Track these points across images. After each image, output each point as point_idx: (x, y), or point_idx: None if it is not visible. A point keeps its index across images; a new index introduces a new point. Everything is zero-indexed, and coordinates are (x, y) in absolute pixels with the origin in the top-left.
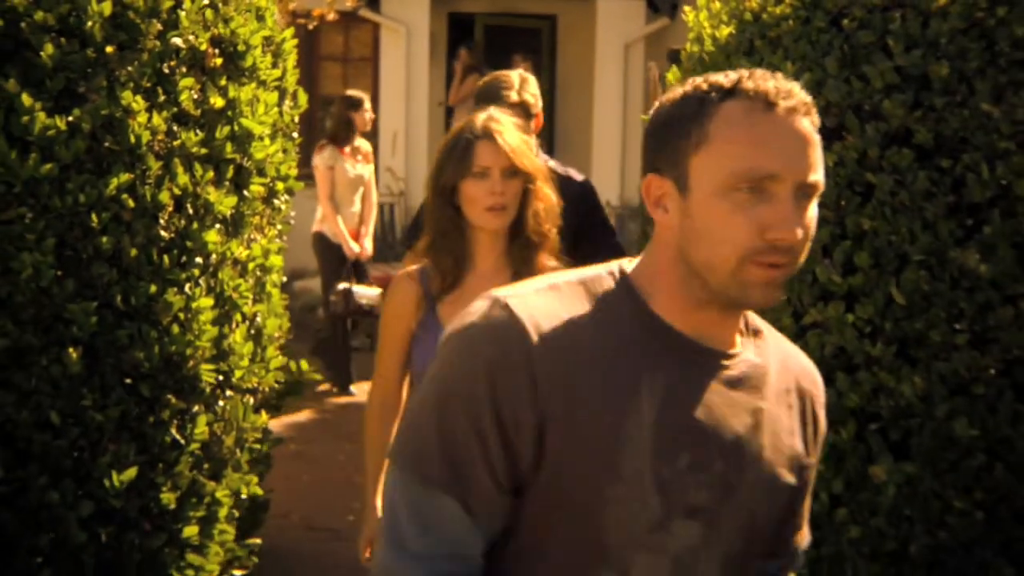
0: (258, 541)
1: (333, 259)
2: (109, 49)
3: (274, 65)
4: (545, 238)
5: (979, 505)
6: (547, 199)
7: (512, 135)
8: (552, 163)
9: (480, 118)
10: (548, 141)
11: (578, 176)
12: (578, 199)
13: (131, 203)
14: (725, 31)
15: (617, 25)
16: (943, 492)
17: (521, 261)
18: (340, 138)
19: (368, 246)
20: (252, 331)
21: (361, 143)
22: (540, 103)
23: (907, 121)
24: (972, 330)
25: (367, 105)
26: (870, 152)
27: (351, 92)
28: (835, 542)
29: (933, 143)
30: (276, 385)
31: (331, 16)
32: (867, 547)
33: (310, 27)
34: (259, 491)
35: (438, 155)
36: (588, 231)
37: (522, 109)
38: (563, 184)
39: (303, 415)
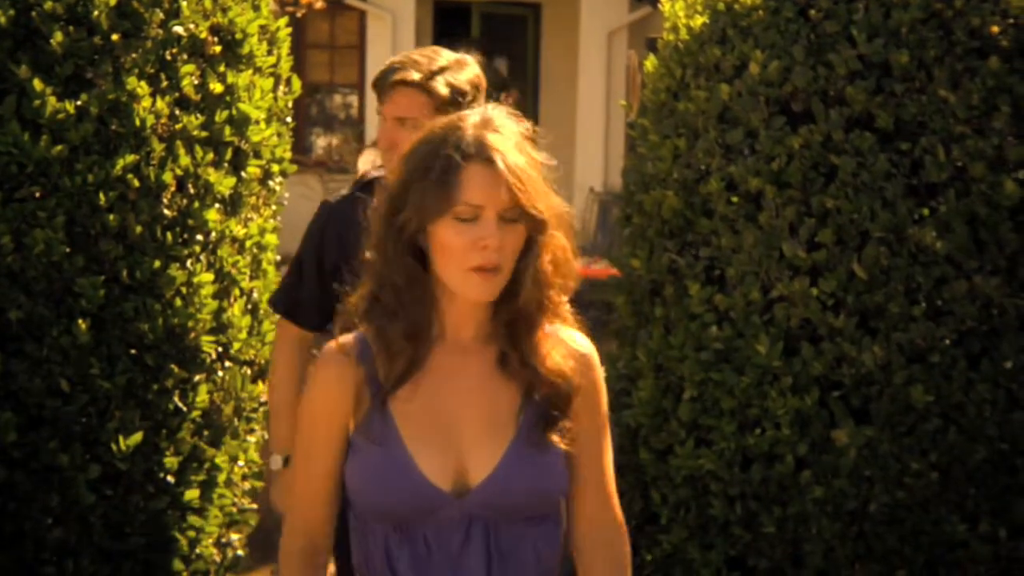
0: (255, 507)
1: None
2: (115, 37)
3: (269, 52)
4: (549, 307)
5: (934, 466)
6: (562, 250)
7: (517, 154)
8: None
9: (471, 122)
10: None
11: None
12: None
13: (136, 183)
14: (699, 20)
15: (601, 13)
16: (901, 455)
17: (512, 337)
18: None
19: None
20: (249, 305)
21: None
22: (479, 96)
23: (869, 106)
24: (928, 303)
25: None
26: (834, 135)
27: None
28: (800, 502)
29: (893, 127)
30: (270, 358)
31: (318, 4)
32: (830, 506)
33: (298, 15)
34: (256, 458)
35: (398, 172)
36: None
37: (433, 97)
38: None
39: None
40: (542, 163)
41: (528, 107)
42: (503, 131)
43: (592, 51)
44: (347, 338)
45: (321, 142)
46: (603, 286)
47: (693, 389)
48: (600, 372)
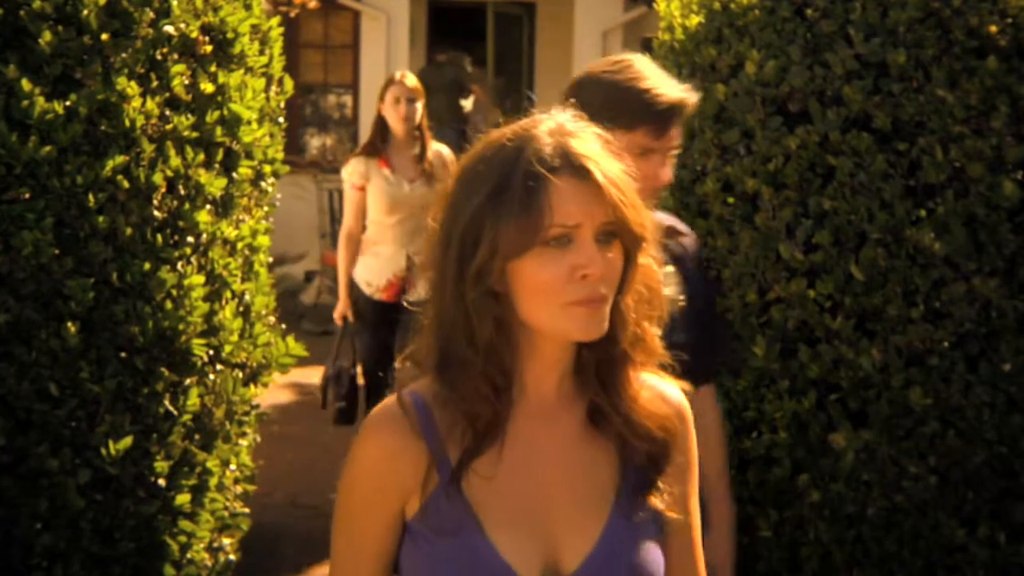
0: (247, 511)
1: (366, 319)
2: (104, 36)
3: (261, 52)
4: (643, 347)
5: (933, 470)
6: (652, 274)
7: (610, 161)
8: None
9: (543, 129)
10: None
11: (683, 228)
12: (687, 270)
13: (126, 184)
14: (695, 20)
15: (595, 13)
16: (899, 458)
17: (604, 385)
18: (374, 144)
19: None
20: (241, 308)
21: (413, 148)
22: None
23: (866, 106)
24: (926, 305)
25: (398, 90)
26: (831, 136)
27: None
28: (797, 506)
29: (891, 127)
30: (263, 360)
31: (312, 4)
32: (827, 510)
33: (291, 15)
34: (248, 461)
35: (456, 200)
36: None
37: None
38: (671, 240)
39: (286, 397)
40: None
41: (522, 107)
42: (583, 135)
43: (586, 51)
44: (401, 399)
45: (315, 142)
46: None
47: None
48: (692, 425)
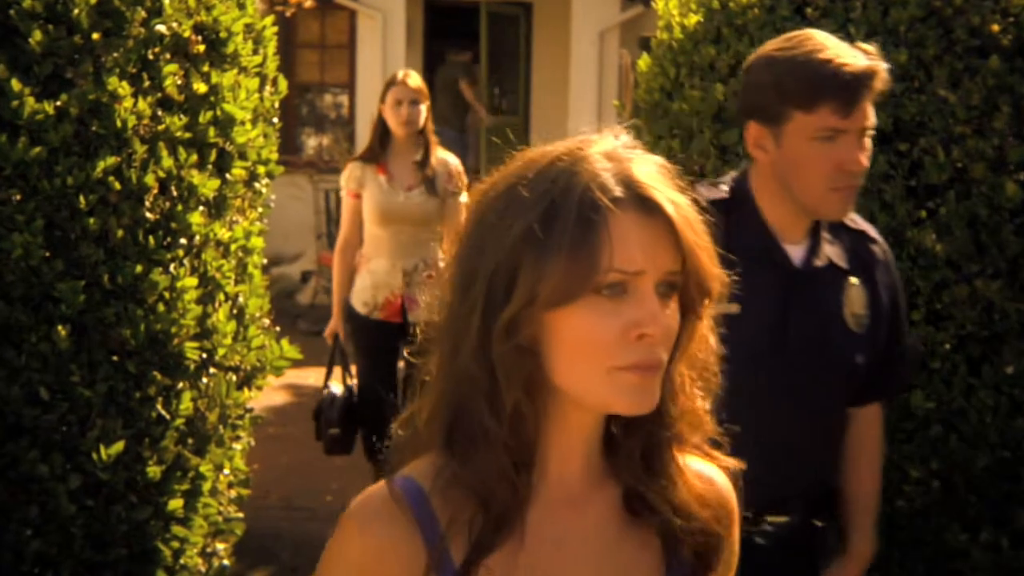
0: (241, 515)
1: (362, 343)
2: (95, 36)
3: (255, 52)
4: (692, 423)
5: (935, 474)
6: (706, 337)
7: (679, 195)
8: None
9: (598, 150)
10: (524, 129)
11: (875, 234)
12: (875, 281)
13: (117, 185)
14: (693, 19)
15: (592, 12)
16: (900, 462)
17: (647, 467)
18: (372, 149)
19: None
20: (234, 310)
21: (414, 153)
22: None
23: None
24: (928, 307)
25: (400, 91)
26: None
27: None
28: None
29: (892, 127)
30: (257, 364)
31: (308, 3)
32: None
33: (288, 14)
34: (242, 465)
35: (479, 225)
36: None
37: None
38: (860, 247)
39: (281, 399)
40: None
41: (520, 107)
42: (643, 162)
43: (584, 50)
44: (391, 486)
45: (311, 142)
46: None
47: None
48: (738, 516)
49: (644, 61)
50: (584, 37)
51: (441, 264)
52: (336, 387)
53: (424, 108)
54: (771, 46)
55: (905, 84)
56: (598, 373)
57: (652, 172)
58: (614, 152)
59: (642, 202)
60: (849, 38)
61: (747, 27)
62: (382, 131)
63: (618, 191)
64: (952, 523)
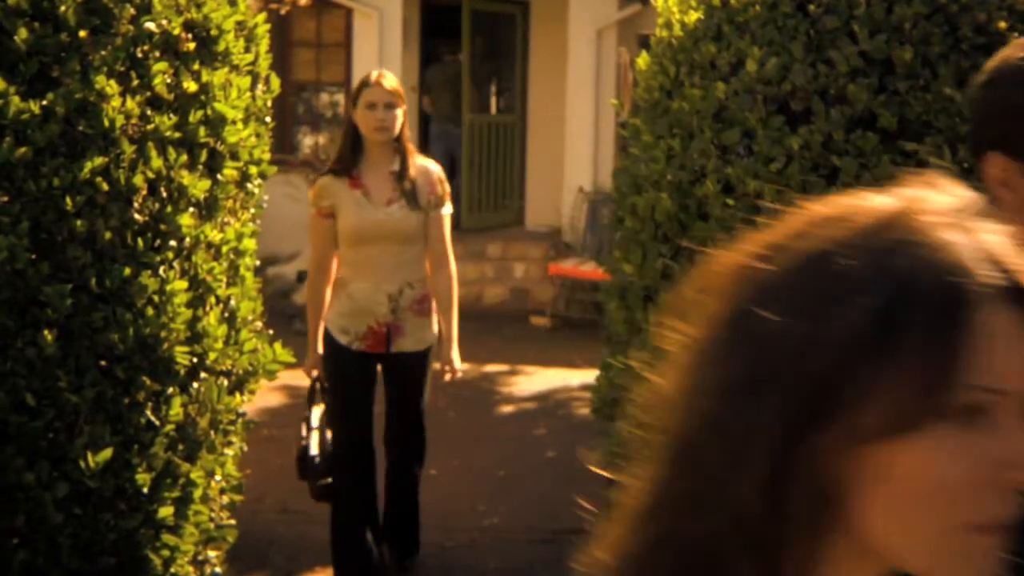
0: (233, 522)
1: (339, 373)
2: (83, 33)
3: (246, 50)
4: None
5: None
6: None
7: None
8: None
9: (939, 214)
10: (521, 128)
11: None
12: None
13: (105, 186)
14: (694, 16)
15: (590, 10)
16: None
17: None
18: (343, 159)
19: (455, 358)
20: (226, 314)
21: (393, 162)
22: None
23: (871, 105)
24: None
25: (373, 93)
26: (835, 135)
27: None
28: None
29: (897, 127)
30: (249, 368)
31: (303, 1)
32: None
33: (282, 12)
34: (234, 471)
35: (757, 312)
36: None
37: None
38: None
39: (276, 400)
40: None
41: (516, 106)
42: (998, 232)
43: (581, 49)
44: None
45: (307, 141)
46: (593, 287)
47: None
48: None
49: (643, 59)
50: (581, 35)
51: (427, 284)
52: (315, 436)
53: (400, 113)
54: (1017, 52)
55: (910, 83)
56: (939, 532)
57: (1013, 247)
58: (960, 216)
59: (1019, 297)
60: (852, 36)
61: (748, 24)
62: (353, 139)
63: (990, 278)
64: None
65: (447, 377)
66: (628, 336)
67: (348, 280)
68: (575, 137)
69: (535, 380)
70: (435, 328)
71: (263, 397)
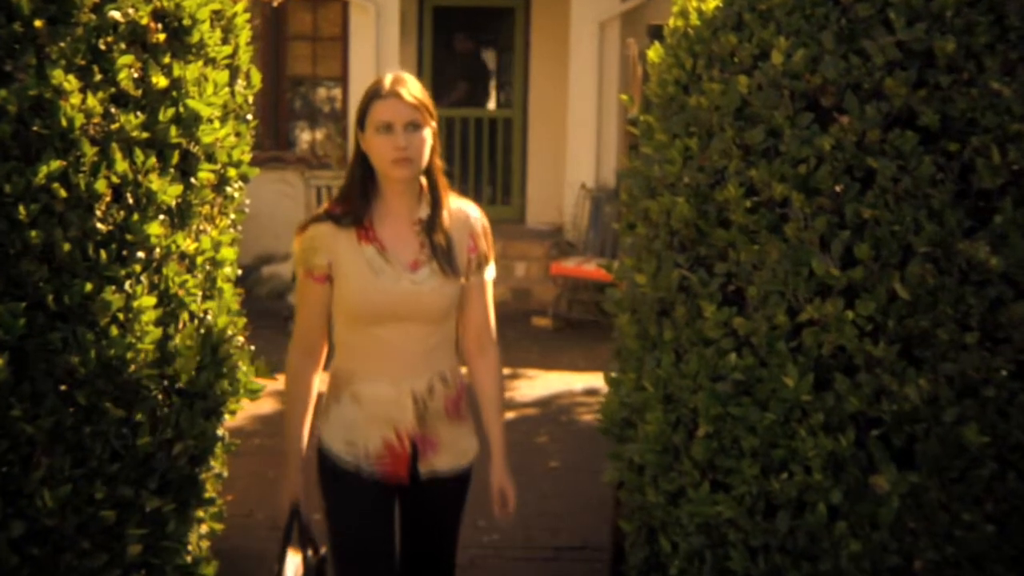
0: (209, 557)
1: (342, 507)
2: (38, 23)
3: (225, 41)
4: None
5: (990, 518)
6: None
7: None
8: None
9: None
10: (522, 124)
11: None
12: None
13: (63, 193)
14: (712, 4)
15: (592, 3)
16: (951, 504)
17: None
18: (348, 201)
19: (509, 482)
20: (201, 331)
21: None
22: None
23: (910, 101)
24: (982, 328)
25: (389, 109)
26: (870, 135)
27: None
28: (833, 557)
29: (939, 125)
30: (228, 388)
31: None
32: (868, 563)
33: (275, 4)
34: (216, 497)
35: None
36: None
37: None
38: None
39: (268, 407)
40: None
41: (518, 100)
42: None
43: (583, 43)
44: None
45: (304, 137)
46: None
47: (708, 425)
48: None
49: (655, 51)
50: (583, 29)
51: (462, 376)
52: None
53: (429, 134)
54: None
55: (953, 76)
56: None
57: None
58: None
59: None
60: (888, 24)
61: (772, 13)
62: (363, 173)
63: None
64: (1008, 572)
65: (499, 511)
66: (641, 352)
67: (352, 375)
68: (577, 132)
69: (537, 384)
70: (475, 435)
71: (254, 403)
